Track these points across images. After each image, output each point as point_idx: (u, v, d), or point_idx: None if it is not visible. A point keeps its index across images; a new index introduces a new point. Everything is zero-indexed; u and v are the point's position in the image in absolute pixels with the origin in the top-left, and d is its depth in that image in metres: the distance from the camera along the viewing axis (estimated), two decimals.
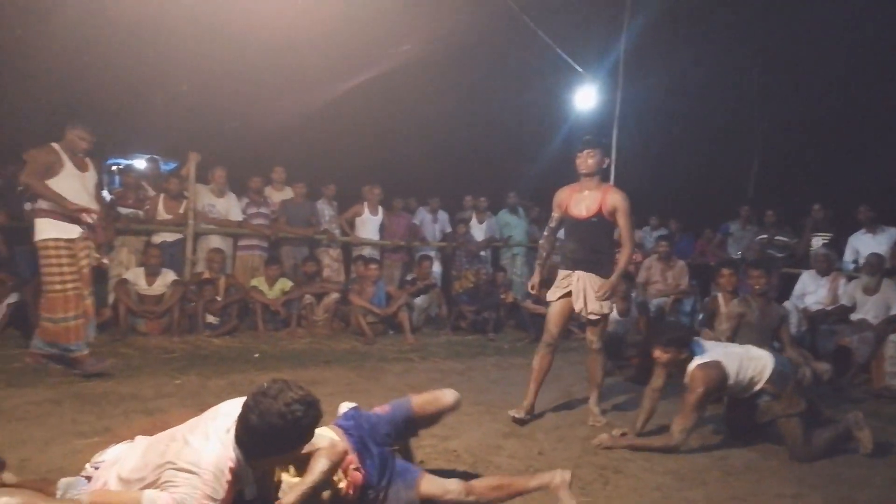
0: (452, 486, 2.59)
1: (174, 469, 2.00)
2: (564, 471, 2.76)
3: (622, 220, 4.07)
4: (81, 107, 7.90)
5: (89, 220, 4.64)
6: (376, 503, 2.56)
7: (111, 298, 6.30)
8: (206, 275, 6.75)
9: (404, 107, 11.48)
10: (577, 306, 4.12)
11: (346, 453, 2.47)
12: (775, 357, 3.88)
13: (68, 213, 4.53)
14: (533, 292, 4.46)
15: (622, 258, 4.14)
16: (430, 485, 2.60)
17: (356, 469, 2.52)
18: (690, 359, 3.72)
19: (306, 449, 2.39)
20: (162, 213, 6.84)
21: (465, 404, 4.44)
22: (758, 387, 3.73)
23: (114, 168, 11.43)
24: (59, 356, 4.65)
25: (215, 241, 7.11)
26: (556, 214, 4.31)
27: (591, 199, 4.10)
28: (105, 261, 5.09)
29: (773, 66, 12.80)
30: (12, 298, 5.75)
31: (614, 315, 6.04)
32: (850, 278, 6.61)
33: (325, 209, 7.89)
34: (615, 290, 4.22)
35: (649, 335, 6.10)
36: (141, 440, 2.30)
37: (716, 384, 3.63)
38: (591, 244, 4.12)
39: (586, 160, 4.10)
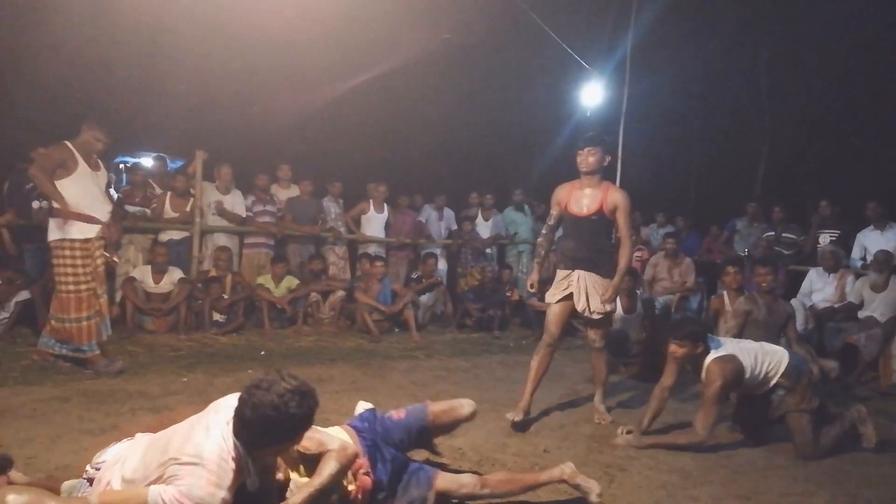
0: (467, 480, 2.68)
1: (177, 464, 2.01)
2: (566, 464, 2.84)
3: (622, 219, 4.03)
4: (96, 107, 7.93)
5: (102, 220, 4.67)
6: None
7: (118, 296, 6.33)
8: (213, 273, 6.77)
9: (410, 104, 11.48)
10: (580, 306, 4.06)
11: (356, 456, 2.48)
12: (790, 352, 3.88)
13: (78, 215, 4.55)
14: (532, 291, 4.39)
15: (622, 258, 4.09)
16: (445, 481, 2.66)
17: (366, 473, 2.54)
18: (706, 353, 3.71)
19: (317, 450, 2.40)
20: (169, 211, 6.86)
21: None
22: (773, 381, 3.72)
23: (121, 166, 11.49)
24: (70, 356, 4.66)
25: (222, 239, 7.14)
26: (554, 212, 4.25)
27: (591, 197, 4.05)
28: (114, 259, 5.12)
29: (780, 63, 12.73)
30: (21, 297, 5.79)
31: (619, 312, 6.03)
32: (857, 275, 6.58)
33: (331, 207, 7.90)
34: (618, 290, 4.20)
35: (655, 332, 6.10)
36: (141, 437, 2.30)
37: (733, 377, 3.61)
38: (591, 242, 4.07)
39: (587, 158, 4.03)
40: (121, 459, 2.18)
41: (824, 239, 7.42)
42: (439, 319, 7.91)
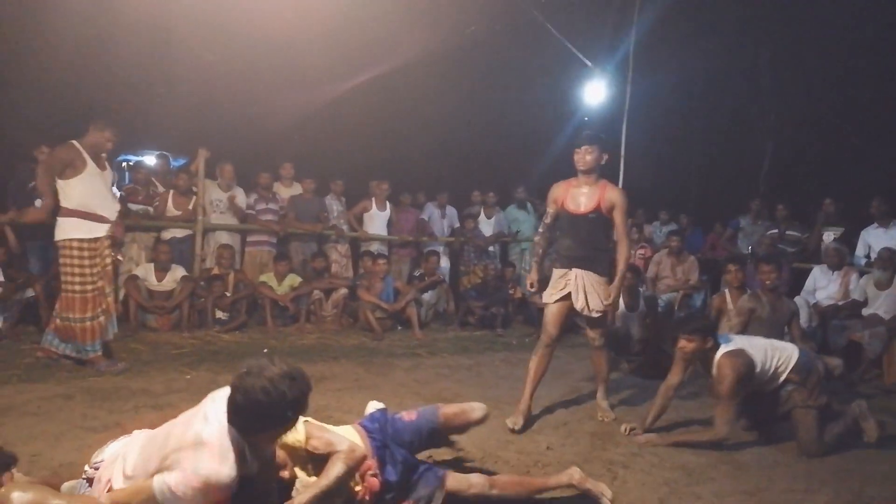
0: (476, 480, 2.70)
1: (179, 452, 2.01)
2: (574, 468, 2.87)
3: (619, 218, 4.01)
4: (97, 105, 7.94)
5: (111, 219, 4.68)
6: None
7: (122, 294, 6.34)
8: (216, 270, 6.78)
9: (413, 102, 11.47)
10: (579, 305, 4.03)
11: (364, 459, 2.49)
12: (800, 349, 3.87)
13: (85, 213, 4.56)
14: (533, 290, 4.34)
15: (621, 258, 4.06)
16: (455, 481, 2.68)
17: (374, 475, 2.54)
18: (716, 349, 3.70)
19: (325, 450, 2.42)
20: (171, 210, 6.88)
21: (472, 399, 4.45)
22: (782, 377, 3.72)
23: (123, 164, 11.50)
24: (72, 356, 4.67)
25: (224, 237, 7.15)
26: (551, 210, 4.21)
27: (589, 196, 4.02)
28: (119, 257, 5.13)
29: (784, 60, 12.68)
30: (24, 294, 5.80)
31: (622, 309, 6.02)
32: (861, 273, 6.56)
33: (334, 205, 7.91)
34: (620, 292, 4.17)
35: (658, 330, 6.09)
36: (139, 434, 2.30)
37: (744, 371, 3.60)
38: (589, 241, 4.03)
39: (584, 156, 4.00)
40: (120, 456, 2.18)
41: (828, 236, 7.41)
42: (442, 317, 7.91)
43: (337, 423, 2.75)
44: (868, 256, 6.94)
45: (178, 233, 6.90)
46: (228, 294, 6.69)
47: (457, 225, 8.86)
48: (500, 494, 2.69)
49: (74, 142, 4.57)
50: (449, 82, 11.63)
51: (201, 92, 10.32)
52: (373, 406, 3.09)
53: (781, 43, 12.42)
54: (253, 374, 2.03)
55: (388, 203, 8.13)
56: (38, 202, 6.02)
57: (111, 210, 4.73)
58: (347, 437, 2.53)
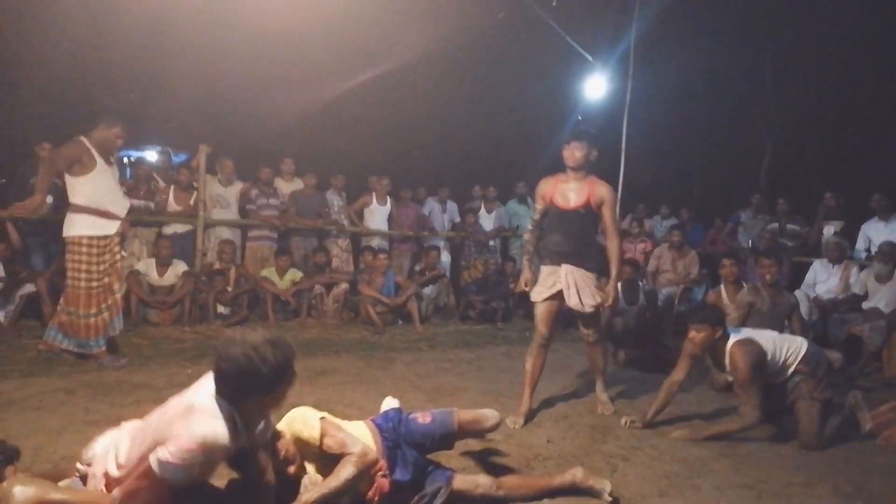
0: (483, 481, 2.74)
1: (170, 426, 2.02)
2: (577, 468, 2.90)
3: (608, 214, 3.99)
4: (96, 101, 7.94)
5: (121, 216, 4.69)
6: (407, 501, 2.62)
7: (123, 289, 6.35)
8: (217, 265, 6.80)
9: (413, 97, 11.46)
10: (572, 302, 3.98)
11: (376, 463, 2.50)
12: (809, 341, 3.89)
13: (102, 210, 4.57)
14: (526, 289, 4.26)
15: (612, 253, 4.04)
16: (462, 481, 2.72)
17: (384, 476, 2.56)
18: (725, 339, 3.72)
19: (338, 450, 2.43)
20: (172, 205, 6.89)
21: (473, 393, 4.48)
22: (792, 368, 3.73)
23: (125, 160, 11.50)
24: (74, 351, 4.67)
25: (225, 233, 7.17)
26: (539, 206, 4.17)
27: (577, 191, 3.98)
28: (123, 253, 5.14)
29: (785, 56, 12.65)
30: (26, 290, 5.81)
31: (622, 304, 6.03)
32: (862, 267, 6.56)
33: (334, 200, 7.91)
34: (616, 289, 4.15)
35: (657, 324, 6.11)
36: (127, 424, 2.30)
37: (757, 359, 3.62)
38: (578, 235, 4.00)
39: (574, 153, 3.96)
40: (112, 448, 2.18)
41: (829, 230, 7.41)
42: (442, 312, 7.92)
43: (339, 416, 2.76)
44: (868, 250, 6.95)
45: (180, 228, 6.91)
46: (230, 289, 6.71)
47: (457, 219, 8.87)
48: (507, 495, 2.72)
49: (82, 138, 4.55)
50: (450, 77, 11.61)
51: (202, 88, 10.31)
52: (388, 403, 3.11)
53: (783, 39, 12.39)
54: (235, 341, 2.06)
55: (388, 198, 8.14)
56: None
57: (122, 207, 4.74)
58: (361, 440, 2.55)
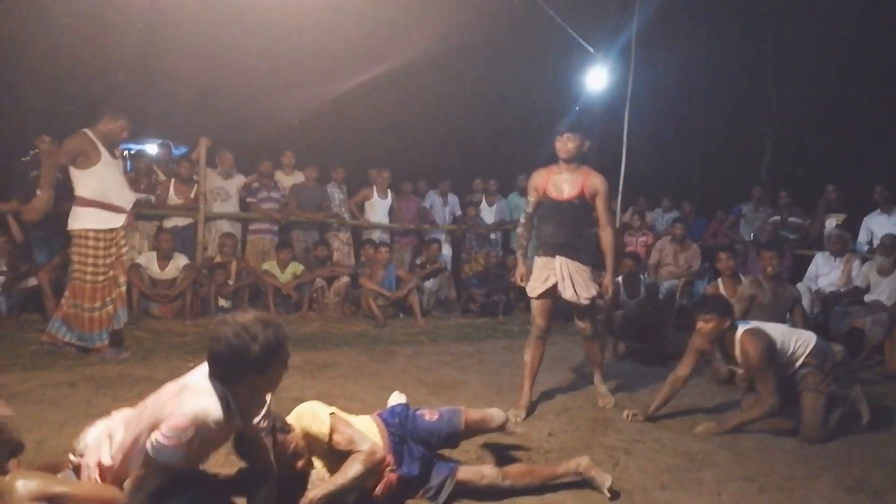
0: (488, 471, 2.75)
1: (163, 408, 2.02)
2: (582, 457, 2.91)
3: (602, 205, 3.98)
4: (91, 92, 7.91)
5: (126, 209, 4.69)
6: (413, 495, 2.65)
7: None
8: (218, 259, 6.80)
9: (414, 90, 11.43)
10: (567, 294, 3.97)
11: (383, 462, 2.51)
12: (817, 336, 3.90)
13: (108, 204, 4.56)
14: (522, 284, 4.24)
15: (607, 244, 4.01)
16: (467, 472, 2.73)
17: (391, 471, 2.57)
18: (733, 329, 3.72)
19: (346, 447, 2.45)
20: (173, 198, 6.88)
21: (475, 386, 4.48)
22: (800, 361, 3.74)
23: (125, 153, 11.49)
24: (76, 345, 4.67)
25: (226, 226, 7.16)
26: (532, 199, 4.13)
27: (571, 182, 3.96)
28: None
29: (787, 48, 12.61)
30: (27, 283, 5.81)
31: (622, 297, 6.03)
32: (864, 259, 6.55)
33: (335, 193, 7.90)
34: (614, 280, 4.15)
35: (658, 317, 6.10)
36: (118, 414, 2.30)
37: (768, 346, 3.63)
38: (572, 227, 3.98)
39: (566, 144, 3.92)
40: (105, 437, 2.18)
41: (831, 223, 7.39)
42: (444, 305, 7.92)
43: (340, 409, 2.76)
44: (870, 243, 6.93)
45: (180, 221, 6.91)
46: (231, 282, 6.71)
47: (458, 213, 8.85)
48: (512, 485, 2.73)
49: (86, 130, 4.54)
50: (451, 70, 11.59)
51: (203, 81, 10.30)
52: (395, 399, 3.11)
53: (784, 31, 12.34)
54: (227, 321, 2.08)
55: (389, 191, 8.12)
56: (39, 192, 6.05)
57: (127, 200, 4.74)
58: (369, 436, 2.56)
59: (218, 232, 7.07)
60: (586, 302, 4.00)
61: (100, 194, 4.53)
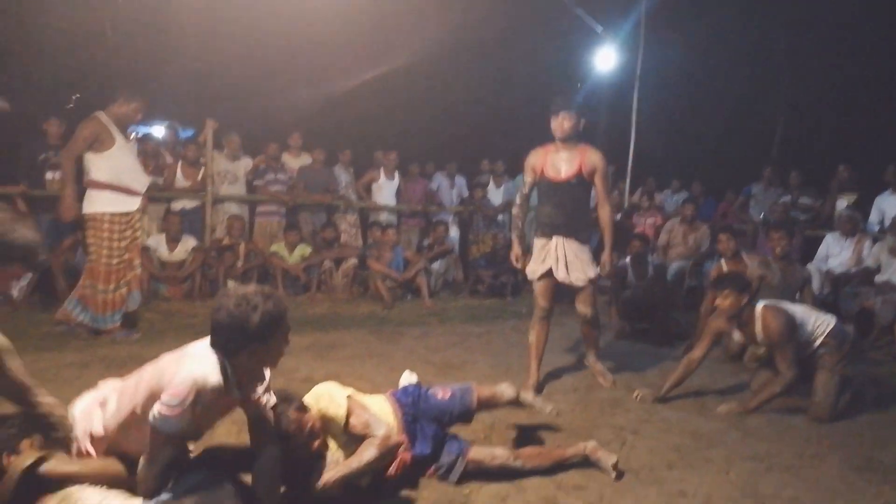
0: (500, 452, 2.77)
1: (163, 376, 2.04)
2: (590, 440, 2.93)
3: (600, 182, 3.92)
4: (93, 72, 7.90)
5: (141, 192, 4.71)
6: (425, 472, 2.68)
7: None
8: (226, 241, 6.82)
9: (422, 72, 11.36)
10: (560, 276, 3.93)
11: (398, 446, 2.53)
12: (837, 318, 3.89)
13: (123, 187, 4.56)
14: (518, 265, 4.21)
15: (605, 222, 3.96)
16: (479, 452, 2.75)
17: (405, 450, 2.59)
18: (752, 307, 3.71)
19: (362, 431, 2.48)
20: (180, 180, 6.89)
21: (482, 367, 4.50)
22: (819, 340, 3.73)
23: (132, 136, 11.50)
24: (88, 326, 4.71)
25: (233, 208, 7.17)
26: (528, 179, 4.07)
27: (568, 161, 3.89)
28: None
29: (798, 27, 12.41)
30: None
31: (630, 278, 6.01)
32: (875, 240, 6.49)
33: (342, 175, 7.89)
34: (612, 259, 4.09)
35: (667, 298, 6.08)
36: (107, 384, 2.32)
37: (790, 321, 3.64)
38: (571, 207, 3.93)
39: (562, 123, 3.86)
40: (96, 407, 2.20)
41: (842, 203, 7.32)
42: (451, 286, 7.92)
43: (370, 393, 2.78)
44: (882, 223, 6.87)
45: (188, 204, 6.92)
46: (240, 264, 6.73)
47: (466, 194, 8.83)
48: (523, 465, 2.75)
49: (99, 114, 4.53)
50: (459, 51, 11.49)
51: (209, 63, 10.26)
52: (406, 378, 3.12)
53: (797, 9, 12.14)
54: (229, 293, 2.11)
55: (396, 173, 8.10)
56: (48, 174, 6.08)
57: (141, 183, 4.75)
58: (385, 420, 2.58)
59: (226, 214, 7.09)
60: (580, 283, 3.96)
61: (114, 178, 4.54)
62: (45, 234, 6.21)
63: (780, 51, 12.94)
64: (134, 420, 2.08)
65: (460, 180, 8.92)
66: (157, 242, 6.43)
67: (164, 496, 2.02)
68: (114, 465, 2.13)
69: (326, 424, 2.51)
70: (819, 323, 3.76)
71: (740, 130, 13.32)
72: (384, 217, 7.92)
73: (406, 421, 2.70)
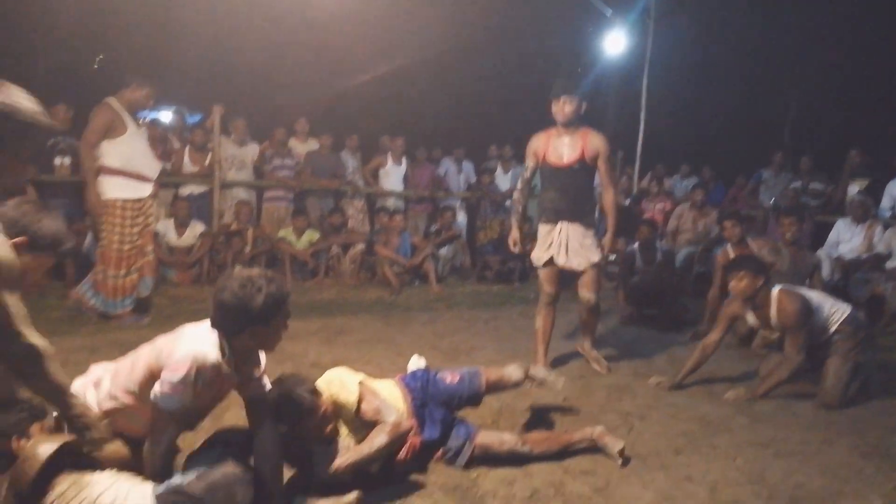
0: (508, 438, 2.78)
1: (161, 354, 2.06)
2: (597, 426, 2.93)
3: (603, 165, 3.90)
4: (126, 63, 7.88)
5: (153, 178, 4.73)
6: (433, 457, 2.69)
7: None
8: (234, 226, 6.83)
9: (429, 56, 11.28)
10: (561, 261, 3.93)
11: (408, 432, 2.54)
12: (852, 306, 3.87)
13: (135, 173, 4.57)
14: (516, 250, 4.21)
15: (609, 205, 3.95)
16: (487, 437, 2.76)
17: (414, 435, 2.60)
18: (767, 289, 3.69)
19: (373, 417, 2.49)
20: (188, 166, 6.90)
21: (490, 352, 4.51)
22: (834, 327, 3.71)
23: (139, 121, 11.51)
24: (99, 310, 4.74)
25: (242, 193, 7.18)
26: (530, 163, 4.06)
27: (571, 146, 3.88)
28: None
29: (811, 9, 12.23)
30: None
31: (639, 263, 5.99)
32: (886, 226, 6.43)
33: (349, 160, 7.88)
34: (615, 242, 4.11)
35: (675, 283, 6.06)
36: (96, 367, 2.34)
37: (805, 305, 3.62)
38: (574, 192, 3.92)
39: (563, 108, 3.83)
40: (91, 388, 2.22)
41: (853, 189, 7.25)
42: (459, 272, 7.92)
43: (380, 378, 2.79)
44: (893, 209, 6.80)
45: (196, 189, 6.93)
46: (248, 249, 6.75)
47: (473, 179, 8.80)
48: (531, 451, 2.76)
49: (110, 100, 4.53)
50: (466, 35, 11.40)
51: (217, 49, 10.23)
52: (415, 363, 3.12)
53: None
54: (233, 275, 2.12)
55: (403, 158, 8.08)
56: (56, 160, 6.09)
57: (153, 169, 4.76)
58: (395, 406, 2.59)
59: (233, 200, 7.10)
60: (580, 268, 3.95)
61: (126, 164, 4.55)
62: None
63: (792, 35, 12.76)
64: (132, 400, 2.11)
65: (468, 166, 8.89)
66: (166, 227, 6.46)
67: (177, 478, 2.03)
68: (120, 450, 2.14)
69: (337, 410, 2.51)
70: (835, 309, 3.74)
71: (751, 115, 13.18)
72: (391, 202, 7.91)
73: (415, 406, 2.71)
